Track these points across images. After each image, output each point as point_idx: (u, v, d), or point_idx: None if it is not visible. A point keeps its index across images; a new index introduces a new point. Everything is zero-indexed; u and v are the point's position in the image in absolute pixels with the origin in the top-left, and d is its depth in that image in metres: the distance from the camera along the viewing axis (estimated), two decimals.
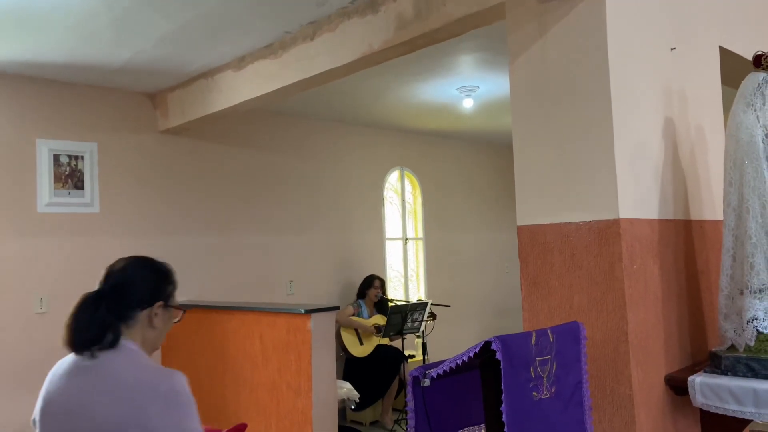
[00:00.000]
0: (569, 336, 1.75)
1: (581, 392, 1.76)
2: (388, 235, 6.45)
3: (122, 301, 1.51)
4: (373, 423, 5.44)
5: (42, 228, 4.07)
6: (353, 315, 5.47)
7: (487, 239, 7.45)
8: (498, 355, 1.52)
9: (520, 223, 2.24)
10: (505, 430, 1.49)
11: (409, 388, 1.71)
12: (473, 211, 7.32)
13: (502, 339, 1.54)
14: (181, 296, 4.89)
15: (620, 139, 2.00)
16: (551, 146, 2.14)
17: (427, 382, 1.67)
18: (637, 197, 2.07)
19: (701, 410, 2.15)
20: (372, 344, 5.44)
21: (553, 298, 2.13)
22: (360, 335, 5.43)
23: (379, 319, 5.55)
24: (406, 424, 5.38)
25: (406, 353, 5.57)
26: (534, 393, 1.61)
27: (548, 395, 1.66)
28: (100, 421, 1.33)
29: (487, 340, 1.55)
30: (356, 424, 5.36)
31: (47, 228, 4.09)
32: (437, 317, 5.83)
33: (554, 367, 1.68)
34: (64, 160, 4.16)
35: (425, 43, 2.86)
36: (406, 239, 6.70)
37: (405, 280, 6.66)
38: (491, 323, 7.26)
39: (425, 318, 5.49)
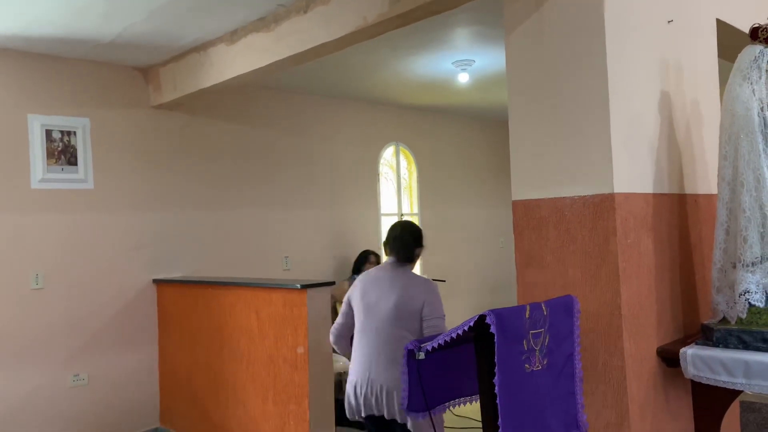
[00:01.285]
0: (563, 309, 1.76)
1: (573, 364, 1.78)
2: (383, 210, 6.45)
3: (417, 241, 2.87)
4: None
5: (36, 204, 4.05)
6: None
7: (482, 215, 7.46)
8: (492, 329, 1.53)
9: (515, 197, 2.24)
10: (498, 401, 1.51)
11: (404, 361, 1.73)
12: (469, 187, 7.32)
13: (497, 312, 1.56)
14: (177, 272, 4.91)
15: (616, 113, 1.99)
16: (547, 120, 2.13)
17: (422, 355, 1.69)
18: (632, 171, 2.07)
19: (692, 381, 2.18)
20: None
21: (548, 272, 2.14)
22: None
23: None
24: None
25: None
26: (526, 365, 1.63)
27: (540, 367, 1.68)
28: (410, 293, 2.68)
29: (481, 313, 1.56)
30: None
31: (41, 204, 4.07)
32: None
33: (547, 339, 1.70)
34: (56, 135, 4.12)
35: (420, 15, 2.82)
36: (402, 215, 6.70)
37: None
38: (486, 298, 7.32)
39: None
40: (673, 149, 2.30)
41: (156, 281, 4.53)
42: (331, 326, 2.97)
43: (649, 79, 2.21)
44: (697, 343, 2.10)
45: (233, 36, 3.80)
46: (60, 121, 4.14)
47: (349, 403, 2.67)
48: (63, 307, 4.13)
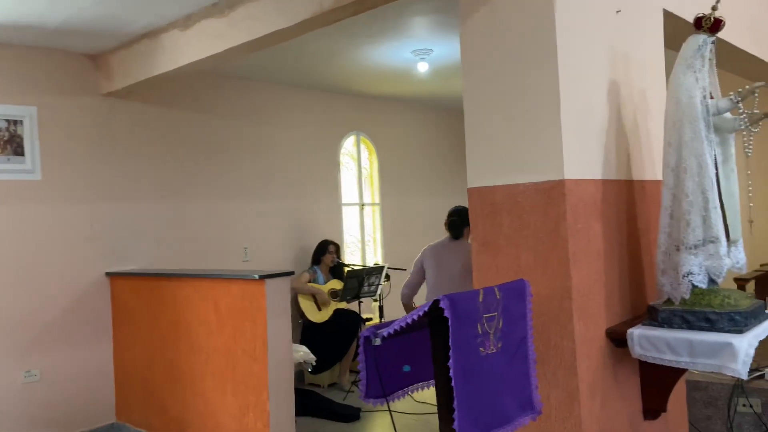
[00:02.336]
0: (515, 293, 1.80)
1: (526, 347, 1.82)
2: (344, 200, 6.44)
3: (464, 222, 3.74)
4: (331, 385, 5.52)
5: None
6: (309, 281, 5.48)
7: (442, 204, 7.51)
8: (446, 313, 1.55)
9: (470, 185, 2.27)
10: (453, 383, 1.54)
11: (360, 348, 1.74)
12: (429, 176, 7.37)
13: (450, 297, 1.58)
14: (131, 264, 4.83)
15: (566, 101, 2.03)
16: (500, 108, 2.16)
17: (378, 341, 1.70)
18: (582, 158, 2.12)
19: (640, 361, 2.26)
20: (330, 309, 5.49)
21: (502, 258, 2.18)
22: (317, 301, 5.46)
23: (336, 284, 5.58)
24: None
25: (364, 316, 5.64)
26: (481, 348, 1.66)
27: (494, 350, 1.71)
28: (463, 262, 3.67)
29: (435, 298, 1.58)
30: (314, 387, 5.43)
31: None
32: (391, 279, 5.91)
33: (500, 323, 1.73)
34: (2, 124, 3.97)
35: (377, 2, 2.82)
36: (363, 205, 6.71)
37: (362, 245, 6.70)
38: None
39: (382, 281, 5.56)
40: (621, 137, 2.37)
41: (109, 274, 4.42)
42: (289, 317, 3.27)
43: (598, 68, 2.26)
44: (643, 324, 2.17)
45: (186, 21, 3.72)
46: (5, 110, 3.99)
47: None
48: (12, 301, 4.00)
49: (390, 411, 1.80)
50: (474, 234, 2.27)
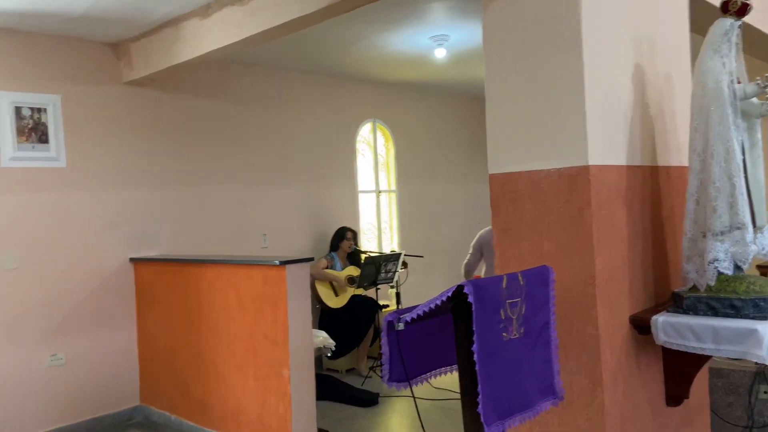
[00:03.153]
0: (539, 279, 1.80)
1: (549, 332, 1.82)
2: (360, 187, 6.45)
3: None
4: (349, 370, 5.58)
5: (7, 183, 3.97)
6: (326, 268, 5.52)
7: (458, 191, 7.51)
8: (470, 298, 1.56)
9: (491, 171, 2.26)
10: (476, 368, 1.55)
11: (383, 332, 1.75)
12: (445, 163, 7.35)
13: (474, 283, 1.58)
14: (154, 250, 4.89)
15: (591, 86, 2.01)
16: (523, 93, 2.14)
17: (401, 326, 1.71)
18: (606, 144, 2.10)
19: (663, 348, 2.25)
20: (347, 295, 5.52)
21: (524, 244, 2.17)
22: (335, 287, 5.49)
23: (353, 271, 5.61)
24: (381, 370, 5.56)
25: (381, 303, 5.67)
26: (504, 334, 1.67)
27: (517, 336, 1.72)
28: None
29: (459, 284, 1.59)
30: (333, 372, 5.49)
31: (12, 183, 3.99)
32: (408, 266, 5.93)
33: (523, 309, 1.74)
34: (26, 112, 4.02)
35: None
36: (379, 192, 6.72)
37: (378, 232, 6.72)
38: (462, 273, 7.39)
39: (399, 268, 5.58)
40: (646, 122, 2.34)
41: (133, 260, 4.49)
42: (309, 302, 3.39)
43: (623, 52, 2.23)
44: (667, 311, 2.16)
45: (207, 10, 3.73)
46: (30, 98, 4.04)
47: None
48: (38, 287, 4.08)
49: (413, 395, 1.82)
50: (495, 221, 2.26)
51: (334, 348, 4.29)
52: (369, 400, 4.62)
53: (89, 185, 4.31)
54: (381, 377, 1.82)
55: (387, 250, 6.55)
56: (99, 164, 4.36)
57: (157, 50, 4.16)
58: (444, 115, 7.35)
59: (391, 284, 5.72)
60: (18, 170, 4.01)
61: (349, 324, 5.37)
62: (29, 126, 4.03)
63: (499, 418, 1.63)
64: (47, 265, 4.12)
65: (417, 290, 6.54)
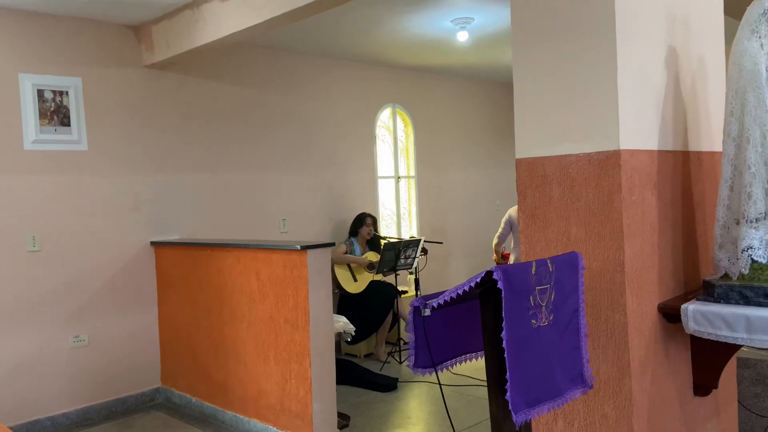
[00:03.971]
0: (568, 266, 1.76)
1: (578, 320, 1.79)
2: (380, 173, 6.42)
3: None
4: (368, 355, 5.59)
5: (30, 166, 4.00)
6: (346, 253, 5.51)
7: (477, 177, 7.45)
8: (499, 284, 1.53)
9: (518, 156, 2.22)
10: (505, 355, 1.52)
11: (410, 318, 1.73)
12: (465, 149, 7.28)
13: (503, 269, 1.55)
14: (174, 234, 4.91)
15: (623, 68, 1.96)
16: (553, 76, 2.09)
17: (427, 312, 1.69)
18: (638, 128, 2.04)
19: (692, 337, 2.21)
20: (366, 280, 5.52)
21: (551, 230, 2.14)
22: (353, 272, 5.49)
23: (372, 257, 5.60)
24: (399, 356, 5.55)
25: (399, 289, 5.66)
26: (533, 321, 1.64)
27: (546, 323, 1.69)
28: None
29: (488, 270, 1.56)
30: (351, 357, 5.50)
31: (35, 166, 4.02)
32: (428, 253, 5.91)
33: (553, 295, 1.70)
34: (48, 95, 4.04)
35: None
36: (398, 177, 6.68)
37: (397, 218, 6.69)
38: (480, 259, 7.36)
39: (418, 254, 5.56)
40: (678, 106, 2.28)
41: (154, 243, 4.52)
42: (330, 287, 3.41)
43: (655, 34, 2.16)
44: (698, 299, 2.11)
45: None
46: (52, 81, 4.06)
47: None
48: (61, 269, 4.12)
49: (439, 382, 1.80)
50: (521, 206, 2.22)
51: (354, 333, 4.29)
52: (388, 385, 4.63)
53: (110, 169, 4.34)
54: (406, 363, 1.80)
55: (406, 236, 6.53)
56: (120, 148, 4.38)
57: (177, 33, 4.14)
58: (464, 100, 7.27)
59: (410, 270, 5.71)
60: (41, 153, 4.03)
61: (367, 309, 5.37)
62: (51, 109, 4.05)
63: (528, 406, 1.60)
64: (69, 248, 4.16)
65: (434, 276, 6.52)
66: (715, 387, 2.31)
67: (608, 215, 1.99)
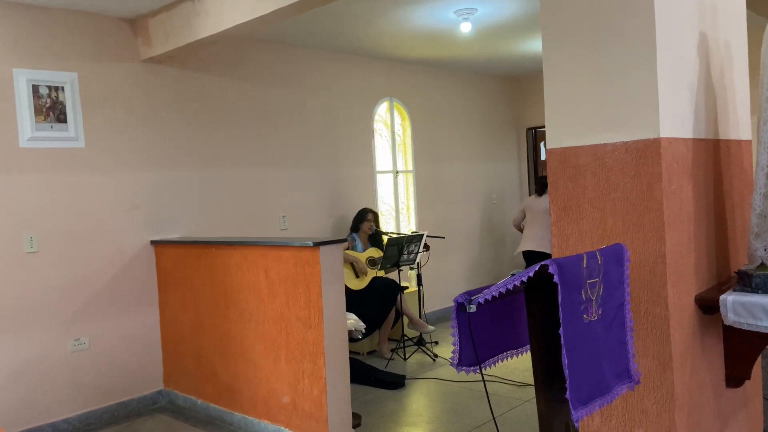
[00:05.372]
0: (614, 258, 1.71)
1: (624, 314, 1.74)
2: (378, 168, 6.34)
3: (545, 187, 5.70)
4: (371, 352, 5.52)
5: (26, 164, 3.86)
6: (348, 249, 5.43)
7: (477, 171, 7.40)
8: (555, 279, 1.47)
9: (550, 146, 2.16)
10: (564, 352, 1.46)
11: (453, 314, 1.67)
12: (462, 143, 7.23)
13: (558, 262, 1.49)
14: (174, 232, 4.78)
15: (662, 54, 1.90)
16: (587, 62, 2.03)
17: (473, 308, 1.62)
18: (675, 115, 2.00)
19: (724, 328, 2.18)
20: (368, 277, 5.44)
21: (585, 222, 2.08)
22: (355, 269, 5.41)
23: (374, 252, 5.53)
24: (404, 352, 5.46)
25: (402, 285, 5.60)
26: (584, 315, 1.58)
27: (596, 317, 1.63)
28: (544, 206, 5.66)
29: (542, 263, 1.49)
30: (354, 354, 5.43)
31: (31, 164, 3.88)
32: (430, 248, 5.85)
33: (601, 289, 1.65)
34: (43, 91, 3.90)
35: None
36: (397, 172, 6.61)
37: (396, 213, 6.62)
38: (480, 254, 7.33)
39: (421, 250, 5.50)
40: (709, 93, 2.24)
41: (154, 242, 4.40)
42: (342, 284, 3.40)
43: (689, 19, 2.12)
44: (735, 290, 2.07)
45: None
46: (47, 76, 3.92)
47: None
48: (59, 270, 3.99)
49: (483, 380, 1.74)
50: (553, 198, 2.17)
51: (364, 330, 4.22)
52: (395, 383, 4.57)
53: (108, 166, 4.21)
54: (450, 362, 1.72)
55: (405, 231, 6.46)
56: (117, 144, 4.25)
57: (175, 26, 4.02)
58: (463, 93, 7.21)
59: (411, 266, 5.65)
60: (37, 151, 3.90)
61: (370, 306, 5.29)
62: (47, 105, 3.91)
63: (581, 404, 1.55)
64: (67, 249, 4.03)
65: (435, 271, 6.47)
66: (749, 378, 2.29)
67: (648, 205, 1.94)
